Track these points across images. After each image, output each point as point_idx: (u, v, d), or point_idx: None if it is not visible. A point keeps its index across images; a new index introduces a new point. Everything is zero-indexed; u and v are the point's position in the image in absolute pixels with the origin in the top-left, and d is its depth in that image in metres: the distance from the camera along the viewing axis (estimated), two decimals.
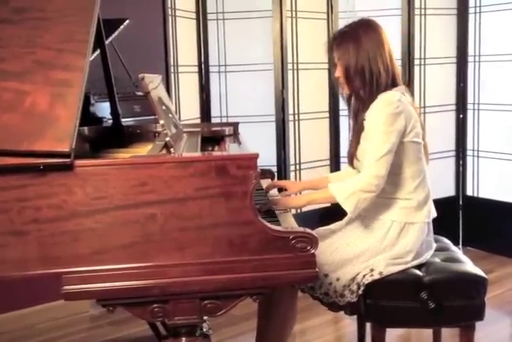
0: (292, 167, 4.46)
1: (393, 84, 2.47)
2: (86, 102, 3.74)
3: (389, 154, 2.33)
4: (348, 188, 2.34)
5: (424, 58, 4.54)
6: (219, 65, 4.41)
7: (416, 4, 4.43)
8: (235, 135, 3.01)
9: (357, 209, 2.34)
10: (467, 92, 4.68)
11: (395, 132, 2.34)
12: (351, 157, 2.52)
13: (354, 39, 2.44)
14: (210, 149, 2.78)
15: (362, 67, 2.42)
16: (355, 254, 2.43)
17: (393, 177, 2.41)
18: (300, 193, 2.79)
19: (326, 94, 4.61)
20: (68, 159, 1.85)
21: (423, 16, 4.49)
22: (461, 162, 4.78)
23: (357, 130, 2.48)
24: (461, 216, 4.82)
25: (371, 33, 2.45)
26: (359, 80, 2.45)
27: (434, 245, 2.58)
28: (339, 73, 2.49)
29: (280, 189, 2.81)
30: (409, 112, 2.41)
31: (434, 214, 2.53)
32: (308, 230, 1.99)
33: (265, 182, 2.83)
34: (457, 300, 2.36)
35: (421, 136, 2.46)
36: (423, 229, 2.45)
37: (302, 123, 4.50)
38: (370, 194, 2.32)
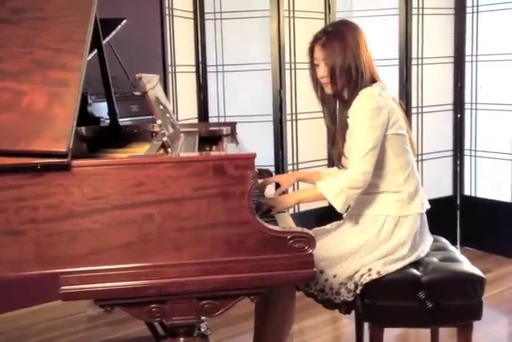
0: (290, 167, 4.46)
1: (373, 80, 2.51)
2: (84, 102, 3.74)
3: (374, 149, 2.37)
4: (336, 186, 2.36)
5: (422, 58, 4.54)
6: (216, 65, 4.41)
7: (414, 4, 4.43)
8: (233, 135, 3.00)
9: (346, 205, 2.38)
10: (464, 91, 4.68)
11: (379, 127, 2.38)
12: (339, 155, 2.55)
13: (340, 38, 2.46)
14: (207, 149, 2.78)
15: (349, 65, 2.45)
16: (351, 251, 2.44)
17: (380, 170, 2.44)
18: (297, 185, 2.79)
19: None
20: (65, 159, 1.85)
21: (420, 16, 4.49)
22: (458, 162, 4.78)
23: (341, 127, 2.52)
24: (459, 216, 4.82)
25: (352, 32, 2.49)
26: (344, 79, 2.47)
27: (431, 238, 2.58)
28: (324, 72, 2.50)
29: (278, 185, 2.81)
30: (391, 106, 2.44)
31: (427, 205, 2.54)
32: (306, 230, 1.99)
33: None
34: (455, 299, 2.36)
35: (404, 128, 2.49)
36: (417, 220, 2.47)
37: (300, 123, 4.50)
38: (357, 190, 2.36)
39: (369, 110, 2.38)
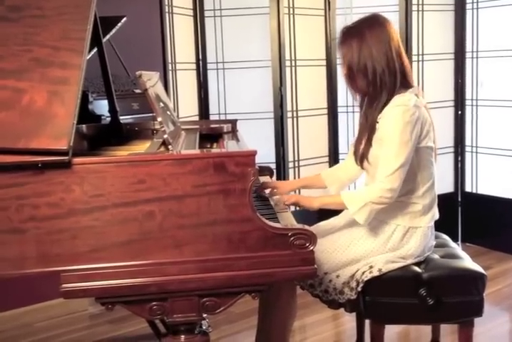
0: (291, 164, 4.46)
1: (406, 85, 2.39)
2: (85, 100, 3.74)
3: (405, 166, 2.29)
4: (360, 200, 2.30)
5: (422, 54, 4.54)
6: (217, 62, 4.41)
7: (414, 0, 4.42)
8: (234, 132, 3.00)
9: (369, 219, 2.33)
10: (465, 88, 4.68)
11: (411, 141, 2.29)
12: (362, 157, 2.43)
13: (358, 35, 2.34)
14: (208, 146, 2.78)
15: (365, 65, 2.33)
16: (356, 256, 2.41)
17: (406, 182, 2.34)
18: (295, 192, 2.75)
19: (324, 91, 4.61)
20: (66, 157, 1.85)
21: (420, 12, 4.48)
22: (459, 158, 4.78)
23: (369, 130, 2.39)
24: (460, 213, 4.82)
25: (376, 28, 2.35)
26: (362, 79, 2.37)
27: (433, 242, 2.57)
28: (343, 71, 2.42)
29: None
30: (424, 116, 2.36)
31: (437, 216, 2.50)
32: (306, 227, 1.99)
33: (264, 179, 2.83)
34: (456, 296, 2.36)
35: (433, 139, 2.42)
36: (427, 233, 2.43)
37: (301, 120, 4.50)
38: (382, 206, 2.31)
39: (403, 124, 2.27)
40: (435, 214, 2.48)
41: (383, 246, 2.41)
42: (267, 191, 2.72)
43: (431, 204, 2.44)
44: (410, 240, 2.41)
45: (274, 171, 3.22)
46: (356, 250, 2.42)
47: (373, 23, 2.38)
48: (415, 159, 2.35)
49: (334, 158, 4.66)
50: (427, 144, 2.38)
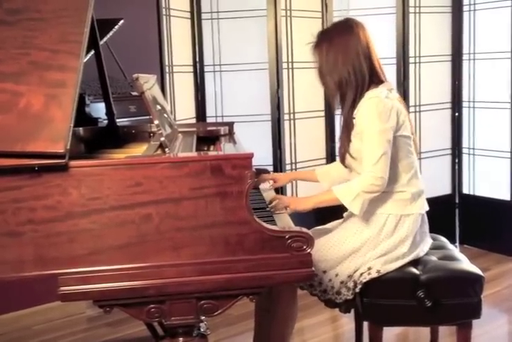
0: (288, 167, 4.46)
1: (377, 82, 2.49)
2: (82, 103, 3.74)
3: (387, 153, 2.36)
4: (352, 191, 2.36)
5: (419, 56, 4.54)
6: (214, 65, 4.40)
7: (411, 2, 4.43)
8: (230, 135, 3.00)
9: (363, 209, 2.38)
10: (462, 90, 4.68)
11: (389, 129, 2.38)
12: (343, 155, 2.53)
13: (328, 40, 2.49)
14: (205, 149, 2.78)
15: (332, 67, 2.47)
16: (353, 249, 2.44)
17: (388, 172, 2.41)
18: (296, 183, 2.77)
19: (321, 93, 4.59)
20: (63, 160, 1.85)
21: (417, 14, 4.49)
22: (456, 160, 4.78)
23: (346, 127, 2.51)
24: (458, 214, 4.82)
25: (345, 33, 2.49)
26: (331, 80, 2.49)
27: (430, 240, 2.59)
28: (317, 72, 2.56)
29: None
30: (398, 107, 2.44)
31: (426, 207, 2.54)
32: (304, 229, 1.99)
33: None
34: (454, 298, 2.36)
35: (409, 130, 2.49)
36: (418, 219, 2.47)
37: (298, 122, 4.50)
38: (374, 194, 2.37)
39: (378, 114, 2.37)
40: (424, 203, 2.52)
41: (377, 237, 2.44)
42: (266, 184, 2.78)
43: (419, 192, 2.50)
44: (403, 226, 2.44)
45: (271, 173, 3.21)
46: (352, 244, 2.45)
47: (342, 28, 2.53)
48: (393, 149, 2.42)
49: (331, 160, 4.64)
50: (403, 133, 2.46)
